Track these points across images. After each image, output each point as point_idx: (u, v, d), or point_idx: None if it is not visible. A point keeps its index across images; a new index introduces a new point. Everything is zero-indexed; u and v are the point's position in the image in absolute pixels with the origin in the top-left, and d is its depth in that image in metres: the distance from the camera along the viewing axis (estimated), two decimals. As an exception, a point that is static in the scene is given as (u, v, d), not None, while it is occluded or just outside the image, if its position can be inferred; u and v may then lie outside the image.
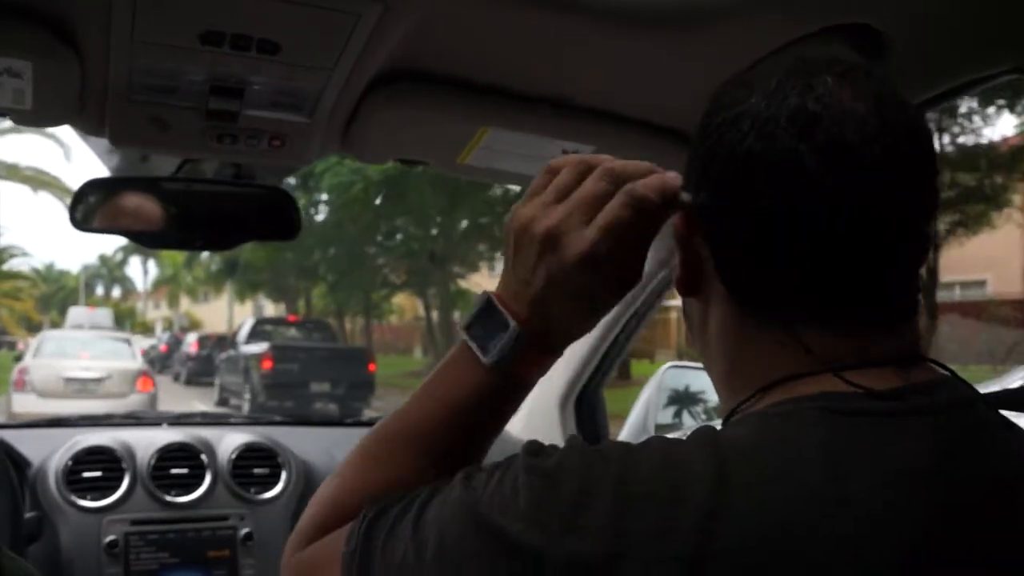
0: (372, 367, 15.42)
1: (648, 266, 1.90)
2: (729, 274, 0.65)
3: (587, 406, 2.07)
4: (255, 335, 16.82)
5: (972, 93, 1.21)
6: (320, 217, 20.56)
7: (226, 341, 19.37)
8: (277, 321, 20.79)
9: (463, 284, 22.93)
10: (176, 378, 23.79)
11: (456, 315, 21.18)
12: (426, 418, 0.72)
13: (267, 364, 14.34)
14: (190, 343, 23.78)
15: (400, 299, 28.85)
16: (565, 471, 0.58)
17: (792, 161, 0.60)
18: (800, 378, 0.62)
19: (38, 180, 29.43)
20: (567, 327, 0.71)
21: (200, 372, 21.08)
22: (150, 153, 1.45)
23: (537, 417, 2.13)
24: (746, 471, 0.55)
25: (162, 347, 30.19)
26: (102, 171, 1.52)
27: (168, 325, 46.00)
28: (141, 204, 1.39)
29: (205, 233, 1.46)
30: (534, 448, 0.62)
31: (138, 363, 13.23)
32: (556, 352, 0.73)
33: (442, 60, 1.18)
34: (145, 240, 1.48)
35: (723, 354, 0.68)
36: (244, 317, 24.55)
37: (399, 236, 20.24)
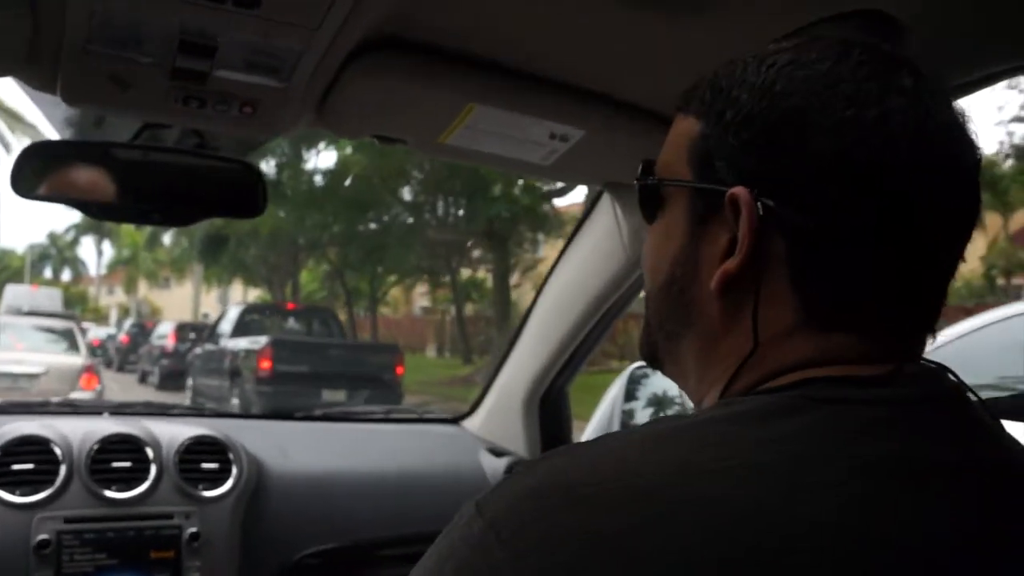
0: (400, 370, 14.67)
1: (622, 266, 2.08)
2: (807, 274, 0.72)
3: (552, 405, 2.25)
4: (244, 327, 16.06)
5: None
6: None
7: (206, 332, 18.51)
8: (271, 309, 20.21)
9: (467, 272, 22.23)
10: (143, 379, 22.91)
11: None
12: None
13: (265, 364, 13.45)
14: (165, 334, 22.82)
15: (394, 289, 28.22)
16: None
17: (908, 171, 0.69)
18: (794, 371, 0.71)
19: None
20: None
21: (178, 372, 19.43)
22: (106, 115, 1.57)
23: (497, 415, 2.31)
24: (726, 462, 0.62)
25: (123, 338, 29.09)
26: (51, 133, 1.66)
27: (124, 312, 46.57)
28: (92, 171, 1.48)
29: (162, 207, 1.55)
30: None
31: (82, 357, 13.32)
32: None
33: (432, 29, 1.30)
34: (95, 211, 1.58)
35: (734, 350, 0.75)
36: (217, 305, 23.63)
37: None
